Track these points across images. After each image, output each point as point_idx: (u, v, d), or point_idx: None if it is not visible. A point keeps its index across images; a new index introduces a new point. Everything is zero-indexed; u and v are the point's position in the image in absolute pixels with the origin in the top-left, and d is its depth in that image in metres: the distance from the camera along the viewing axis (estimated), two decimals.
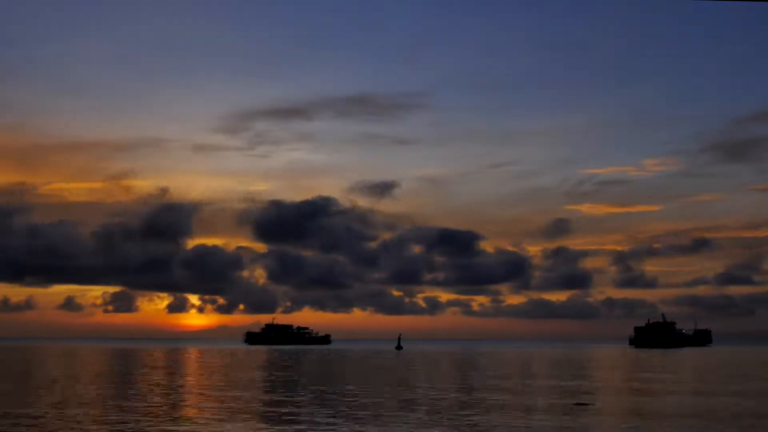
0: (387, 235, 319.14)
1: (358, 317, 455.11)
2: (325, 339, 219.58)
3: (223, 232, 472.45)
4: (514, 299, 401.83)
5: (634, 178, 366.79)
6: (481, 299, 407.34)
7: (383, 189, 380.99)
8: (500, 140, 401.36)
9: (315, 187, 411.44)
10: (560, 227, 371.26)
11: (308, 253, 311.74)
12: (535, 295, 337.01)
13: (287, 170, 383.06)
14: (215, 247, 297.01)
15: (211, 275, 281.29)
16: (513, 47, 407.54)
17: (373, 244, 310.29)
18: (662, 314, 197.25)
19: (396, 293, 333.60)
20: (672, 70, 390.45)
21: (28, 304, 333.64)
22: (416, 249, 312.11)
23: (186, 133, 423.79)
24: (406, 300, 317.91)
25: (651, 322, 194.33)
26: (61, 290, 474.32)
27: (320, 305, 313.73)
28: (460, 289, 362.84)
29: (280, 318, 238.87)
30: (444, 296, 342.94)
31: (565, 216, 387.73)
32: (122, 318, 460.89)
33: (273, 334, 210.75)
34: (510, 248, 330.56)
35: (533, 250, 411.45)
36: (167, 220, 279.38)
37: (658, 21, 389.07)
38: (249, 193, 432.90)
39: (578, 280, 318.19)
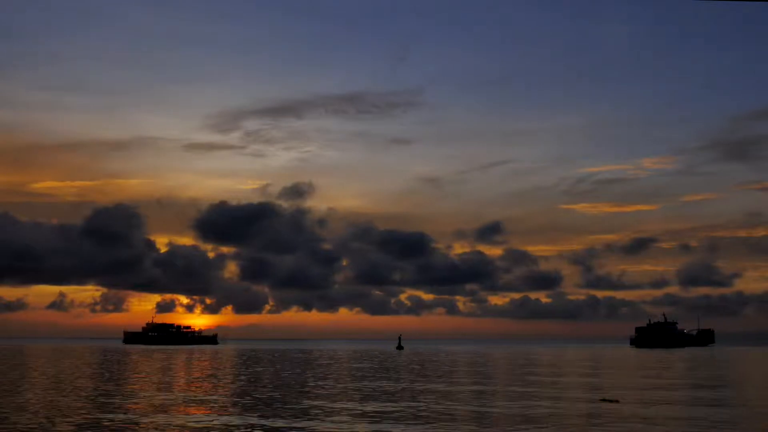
0: (378, 234, 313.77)
1: (344, 317, 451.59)
2: (213, 339, 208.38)
3: (208, 231, 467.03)
4: (500, 299, 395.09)
5: (632, 177, 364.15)
6: (466, 299, 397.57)
7: (379, 188, 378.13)
8: (497, 139, 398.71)
9: (306, 185, 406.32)
10: (556, 226, 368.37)
11: (280, 254, 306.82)
12: (524, 295, 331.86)
13: (281, 169, 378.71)
14: (193, 247, 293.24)
15: (193, 276, 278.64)
16: (510, 45, 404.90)
17: (355, 244, 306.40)
18: (663, 314, 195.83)
19: (378, 293, 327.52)
20: (672, 70, 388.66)
21: (19, 304, 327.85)
22: (390, 250, 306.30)
23: (179, 131, 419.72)
24: (392, 300, 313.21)
25: (652, 322, 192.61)
26: (50, 290, 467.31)
27: (306, 305, 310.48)
28: (441, 289, 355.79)
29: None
30: (425, 296, 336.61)
31: (563, 215, 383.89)
32: (112, 318, 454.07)
33: (154, 334, 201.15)
34: (502, 248, 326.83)
35: (524, 249, 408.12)
36: (154, 219, 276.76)
37: (658, 21, 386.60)
38: (241, 192, 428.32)
39: (573, 280, 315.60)
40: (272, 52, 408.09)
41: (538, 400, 35.24)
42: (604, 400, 34.45)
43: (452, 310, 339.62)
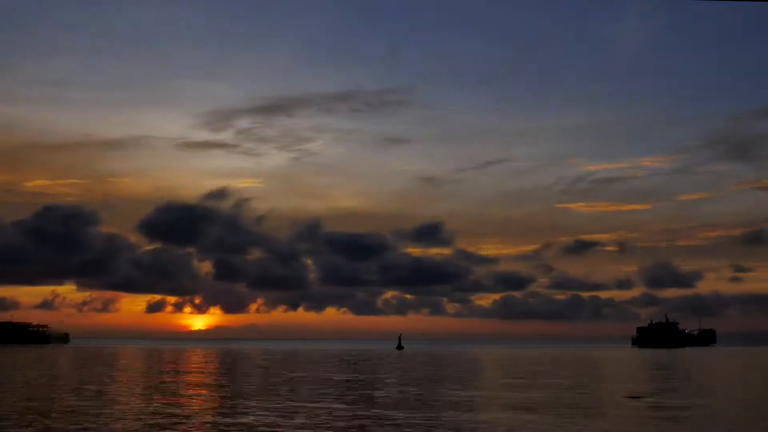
0: (375, 234, 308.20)
1: (332, 317, 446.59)
2: (65, 338, 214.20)
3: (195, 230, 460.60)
4: (487, 300, 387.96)
5: (630, 176, 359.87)
6: (448, 299, 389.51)
7: (374, 187, 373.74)
8: (494, 138, 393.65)
9: (298, 184, 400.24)
10: (552, 226, 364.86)
11: (264, 254, 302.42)
12: (506, 295, 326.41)
13: (275, 167, 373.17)
14: (178, 247, 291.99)
15: (178, 276, 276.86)
16: (509, 44, 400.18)
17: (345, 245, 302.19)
18: (665, 314, 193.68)
19: (361, 294, 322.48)
20: (672, 69, 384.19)
21: (10, 304, 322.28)
22: (373, 250, 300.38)
23: (172, 129, 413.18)
24: (378, 300, 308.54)
25: (654, 322, 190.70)
26: (41, 290, 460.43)
27: (293, 305, 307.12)
28: (423, 289, 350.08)
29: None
30: (408, 296, 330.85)
31: (561, 214, 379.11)
32: (103, 318, 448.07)
33: (7, 333, 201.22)
34: (494, 247, 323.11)
35: (518, 249, 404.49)
36: (143, 218, 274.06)
37: (657, 21, 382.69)
38: (234, 191, 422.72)
39: (571, 280, 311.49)
40: (266, 50, 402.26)
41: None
42: (630, 397, 34.44)
43: (437, 310, 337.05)
